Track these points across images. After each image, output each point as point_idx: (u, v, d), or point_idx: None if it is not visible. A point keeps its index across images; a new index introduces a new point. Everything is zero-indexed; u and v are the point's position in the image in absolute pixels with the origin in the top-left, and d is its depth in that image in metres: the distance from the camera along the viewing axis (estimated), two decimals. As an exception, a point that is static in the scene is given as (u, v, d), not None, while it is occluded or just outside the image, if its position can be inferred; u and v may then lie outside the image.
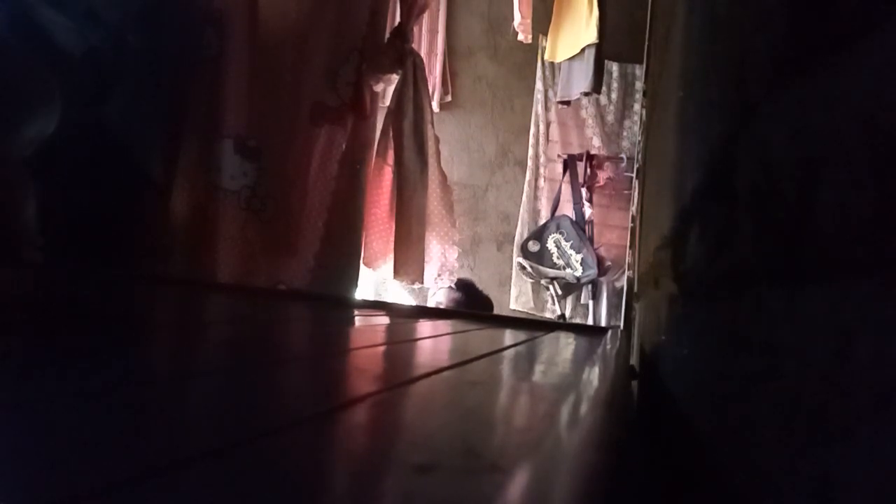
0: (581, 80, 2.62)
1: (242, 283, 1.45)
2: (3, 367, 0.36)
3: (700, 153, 0.54)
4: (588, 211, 3.00)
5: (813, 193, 0.25)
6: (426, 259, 1.63)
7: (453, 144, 3.41)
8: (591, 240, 2.94)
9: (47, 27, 1.16)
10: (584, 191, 3.03)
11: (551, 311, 3.17)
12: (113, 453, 0.21)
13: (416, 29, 1.84)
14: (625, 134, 3.26)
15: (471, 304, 2.10)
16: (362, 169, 1.61)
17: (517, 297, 3.30)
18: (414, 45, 1.70)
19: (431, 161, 1.64)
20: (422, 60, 1.67)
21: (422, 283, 1.63)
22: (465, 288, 2.16)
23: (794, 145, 0.28)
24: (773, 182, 0.31)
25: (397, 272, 1.60)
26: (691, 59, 0.65)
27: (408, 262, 1.59)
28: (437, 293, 2.15)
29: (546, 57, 3.04)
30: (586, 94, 2.67)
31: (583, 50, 2.61)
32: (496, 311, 2.98)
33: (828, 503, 0.21)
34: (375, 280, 2.12)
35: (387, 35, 1.63)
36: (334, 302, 1.33)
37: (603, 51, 2.54)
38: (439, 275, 1.67)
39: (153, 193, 1.42)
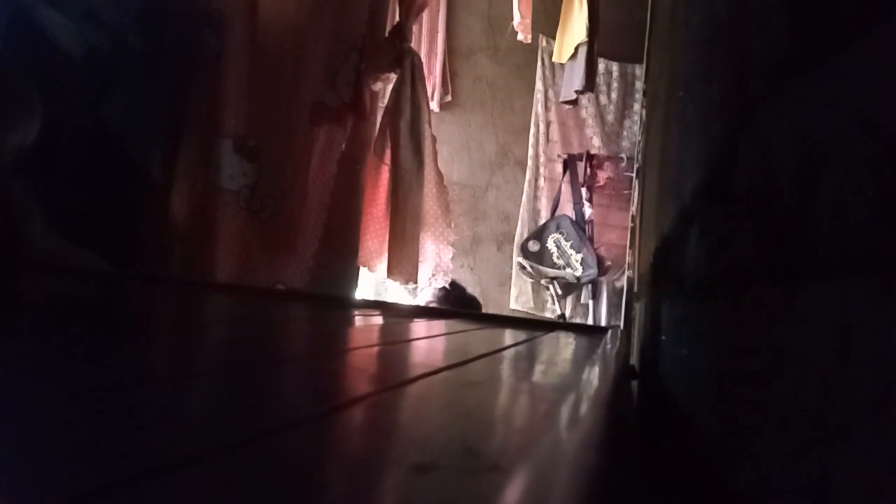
0: (576, 78, 2.63)
1: (241, 282, 1.45)
2: (2, 366, 0.36)
3: (700, 153, 0.54)
4: (588, 211, 3.00)
5: (812, 193, 0.25)
6: (421, 259, 1.62)
7: (453, 144, 3.40)
8: (591, 239, 2.93)
9: (47, 28, 1.16)
10: (584, 191, 3.03)
11: (551, 311, 3.17)
12: (112, 453, 0.21)
13: (416, 29, 1.84)
14: (625, 134, 3.26)
15: (456, 303, 2.08)
16: (362, 169, 1.61)
17: (517, 297, 3.30)
18: (414, 45, 1.70)
19: (428, 161, 1.63)
20: (420, 59, 1.67)
21: (415, 282, 1.62)
22: (450, 285, 2.14)
23: (794, 145, 0.28)
24: (772, 182, 0.31)
25: (391, 271, 1.59)
26: (691, 59, 0.65)
27: (401, 261, 1.59)
28: (424, 291, 2.12)
29: (554, 58, 3.05)
30: (580, 92, 2.67)
31: (577, 49, 2.61)
32: (496, 311, 2.98)
33: (828, 503, 0.21)
34: (375, 280, 2.11)
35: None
36: (333, 302, 1.32)
37: (595, 49, 2.53)
38: (433, 275, 1.66)
39: (152, 193, 1.42)
